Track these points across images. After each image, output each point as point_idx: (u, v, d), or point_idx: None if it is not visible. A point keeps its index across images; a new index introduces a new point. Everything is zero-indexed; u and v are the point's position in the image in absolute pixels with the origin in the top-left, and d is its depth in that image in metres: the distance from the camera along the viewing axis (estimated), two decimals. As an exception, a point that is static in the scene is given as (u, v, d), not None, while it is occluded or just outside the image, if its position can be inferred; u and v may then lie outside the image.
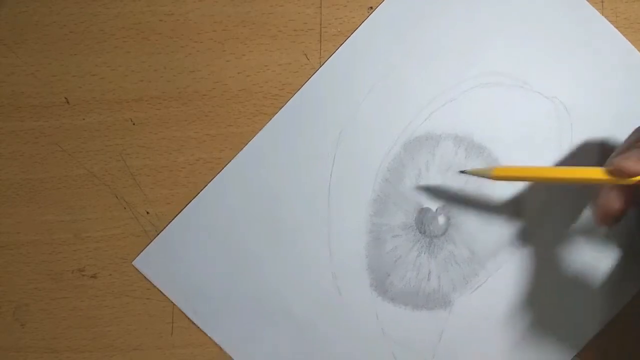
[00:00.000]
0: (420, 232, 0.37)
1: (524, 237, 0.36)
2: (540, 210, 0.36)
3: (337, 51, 0.37)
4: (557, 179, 0.31)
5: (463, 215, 0.36)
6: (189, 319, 0.37)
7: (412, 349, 0.36)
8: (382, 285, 0.36)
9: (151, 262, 0.37)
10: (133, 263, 0.37)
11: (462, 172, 0.35)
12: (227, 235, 0.37)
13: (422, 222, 0.37)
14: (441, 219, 0.37)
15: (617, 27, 0.37)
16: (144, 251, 0.37)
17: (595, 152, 0.36)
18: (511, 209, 0.37)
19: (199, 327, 0.37)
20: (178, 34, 0.37)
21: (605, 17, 0.37)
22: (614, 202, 0.29)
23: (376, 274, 0.36)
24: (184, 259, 0.37)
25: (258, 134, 0.37)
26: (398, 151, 0.37)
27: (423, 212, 0.37)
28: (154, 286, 0.37)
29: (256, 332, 0.36)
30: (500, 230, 0.37)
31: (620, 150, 0.30)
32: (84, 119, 0.37)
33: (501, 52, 0.37)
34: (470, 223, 0.37)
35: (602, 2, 0.37)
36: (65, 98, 0.37)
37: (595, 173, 0.29)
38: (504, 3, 0.37)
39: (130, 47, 0.37)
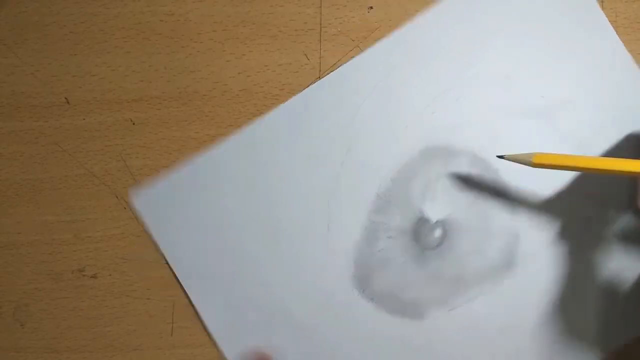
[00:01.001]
0: (413, 240, 0.36)
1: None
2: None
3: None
4: (602, 170, 0.30)
5: (460, 234, 0.36)
6: (189, 319, 0.37)
7: (375, 351, 0.36)
8: (364, 281, 0.36)
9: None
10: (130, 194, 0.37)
11: (500, 156, 0.33)
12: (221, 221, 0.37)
13: (418, 231, 0.36)
14: (437, 232, 0.36)
15: (616, 27, 0.37)
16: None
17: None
18: (509, 238, 0.36)
19: (199, 322, 0.37)
20: (178, 34, 0.37)
21: (605, 16, 0.37)
22: None
23: (361, 269, 0.36)
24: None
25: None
26: (413, 156, 0.36)
27: (421, 221, 0.36)
28: (154, 286, 0.37)
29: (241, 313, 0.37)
30: (493, 258, 0.36)
31: None
32: (84, 119, 0.37)
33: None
34: (466, 244, 0.36)
35: (602, 1, 0.37)
36: (66, 98, 0.37)
37: (624, 165, 0.29)
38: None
39: (130, 47, 0.37)
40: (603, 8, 0.37)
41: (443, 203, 0.37)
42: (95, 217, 0.37)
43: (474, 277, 0.36)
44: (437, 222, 0.36)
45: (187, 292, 0.37)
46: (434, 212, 0.37)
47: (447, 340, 0.36)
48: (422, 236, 0.36)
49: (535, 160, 0.31)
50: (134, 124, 0.37)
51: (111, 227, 0.37)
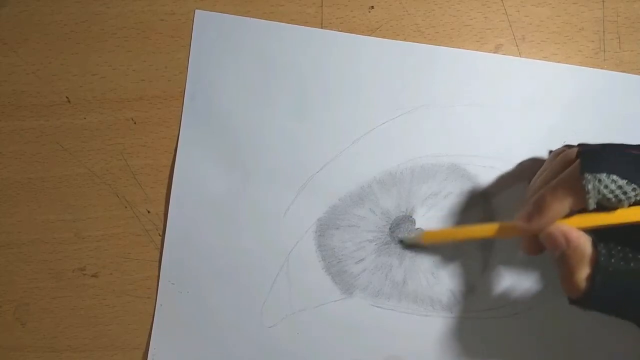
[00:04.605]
0: (389, 237, 0.37)
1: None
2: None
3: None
4: (478, 237, 0.34)
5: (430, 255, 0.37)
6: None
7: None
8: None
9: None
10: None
11: (401, 241, 0.37)
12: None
13: (397, 226, 0.37)
14: (412, 233, 0.37)
15: (617, 27, 0.37)
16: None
17: None
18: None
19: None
20: (179, 33, 0.37)
21: (606, 16, 0.37)
22: (529, 244, 0.32)
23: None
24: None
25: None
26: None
27: (402, 219, 0.37)
28: (155, 285, 0.37)
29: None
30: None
31: (527, 197, 0.33)
32: (85, 118, 0.37)
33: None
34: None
35: (603, 2, 0.37)
36: (67, 97, 0.37)
37: (491, 230, 0.32)
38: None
39: (131, 46, 0.37)
40: (604, 8, 0.37)
41: (424, 205, 0.37)
42: (96, 216, 0.37)
43: (441, 292, 0.37)
44: (418, 229, 0.37)
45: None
46: (414, 211, 0.37)
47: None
48: (398, 234, 0.37)
49: (425, 238, 0.35)
50: (135, 123, 0.37)
51: (112, 226, 0.37)
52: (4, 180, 0.37)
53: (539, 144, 0.36)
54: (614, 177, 0.28)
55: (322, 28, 0.37)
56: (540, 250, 0.32)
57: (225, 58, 0.37)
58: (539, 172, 0.33)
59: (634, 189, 0.28)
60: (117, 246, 0.37)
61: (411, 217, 0.37)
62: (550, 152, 0.35)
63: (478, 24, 0.37)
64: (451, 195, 0.37)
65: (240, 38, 0.37)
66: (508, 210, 0.36)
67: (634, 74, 0.37)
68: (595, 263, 0.28)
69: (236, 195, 0.37)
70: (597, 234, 0.29)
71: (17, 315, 0.37)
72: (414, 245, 0.37)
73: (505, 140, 0.37)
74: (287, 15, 0.37)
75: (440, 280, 0.37)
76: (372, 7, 0.37)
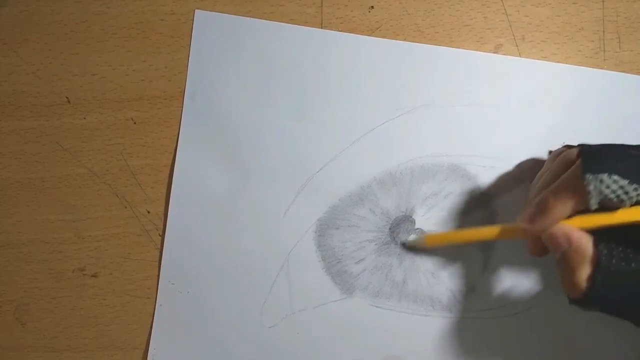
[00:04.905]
0: (389, 237, 0.37)
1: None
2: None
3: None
4: (481, 239, 0.34)
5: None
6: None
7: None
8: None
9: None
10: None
11: (403, 244, 0.37)
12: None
13: (397, 226, 0.37)
14: (413, 236, 0.37)
15: (617, 27, 0.37)
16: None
17: None
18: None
19: (199, 326, 0.37)
20: (179, 33, 0.37)
21: (606, 16, 0.37)
22: (534, 245, 0.32)
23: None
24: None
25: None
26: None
27: (402, 219, 0.37)
28: (155, 285, 0.37)
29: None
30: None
31: (529, 199, 0.33)
32: (84, 118, 0.37)
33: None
34: (436, 264, 0.37)
35: (603, 2, 0.37)
36: (66, 97, 0.37)
37: (494, 232, 0.32)
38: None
39: (131, 46, 0.37)
40: (604, 8, 0.37)
41: (424, 205, 0.37)
42: (96, 216, 0.37)
43: (439, 294, 0.37)
44: (418, 230, 0.37)
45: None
46: (414, 211, 0.37)
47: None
48: (398, 235, 0.37)
49: (426, 241, 0.35)
50: (135, 123, 0.37)
51: (112, 226, 0.37)
52: (4, 180, 0.37)
53: (539, 144, 0.36)
54: (615, 177, 0.28)
55: (322, 28, 0.37)
56: (545, 251, 0.32)
57: (225, 58, 0.37)
58: (539, 173, 0.33)
59: (635, 189, 0.28)
60: (117, 246, 0.37)
61: (411, 217, 0.37)
62: (550, 152, 0.35)
63: (478, 24, 0.37)
64: (451, 195, 0.37)
65: (240, 38, 0.37)
66: (508, 210, 0.36)
67: (634, 74, 0.37)
68: (597, 263, 0.28)
69: (236, 195, 0.37)
70: (599, 234, 0.29)
71: (17, 315, 0.37)
72: (416, 248, 0.36)
73: (505, 140, 0.37)
74: (287, 15, 0.37)
75: (440, 280, 0.37)
76: (372, 7, 0.37)
